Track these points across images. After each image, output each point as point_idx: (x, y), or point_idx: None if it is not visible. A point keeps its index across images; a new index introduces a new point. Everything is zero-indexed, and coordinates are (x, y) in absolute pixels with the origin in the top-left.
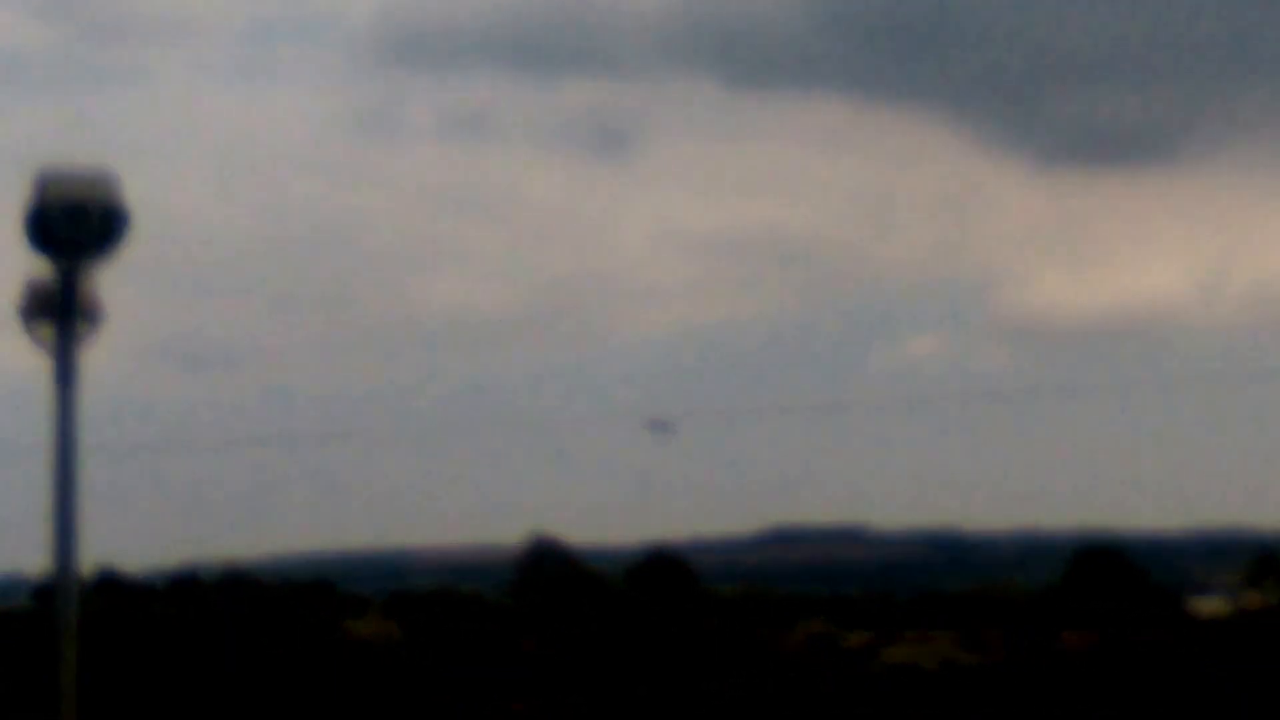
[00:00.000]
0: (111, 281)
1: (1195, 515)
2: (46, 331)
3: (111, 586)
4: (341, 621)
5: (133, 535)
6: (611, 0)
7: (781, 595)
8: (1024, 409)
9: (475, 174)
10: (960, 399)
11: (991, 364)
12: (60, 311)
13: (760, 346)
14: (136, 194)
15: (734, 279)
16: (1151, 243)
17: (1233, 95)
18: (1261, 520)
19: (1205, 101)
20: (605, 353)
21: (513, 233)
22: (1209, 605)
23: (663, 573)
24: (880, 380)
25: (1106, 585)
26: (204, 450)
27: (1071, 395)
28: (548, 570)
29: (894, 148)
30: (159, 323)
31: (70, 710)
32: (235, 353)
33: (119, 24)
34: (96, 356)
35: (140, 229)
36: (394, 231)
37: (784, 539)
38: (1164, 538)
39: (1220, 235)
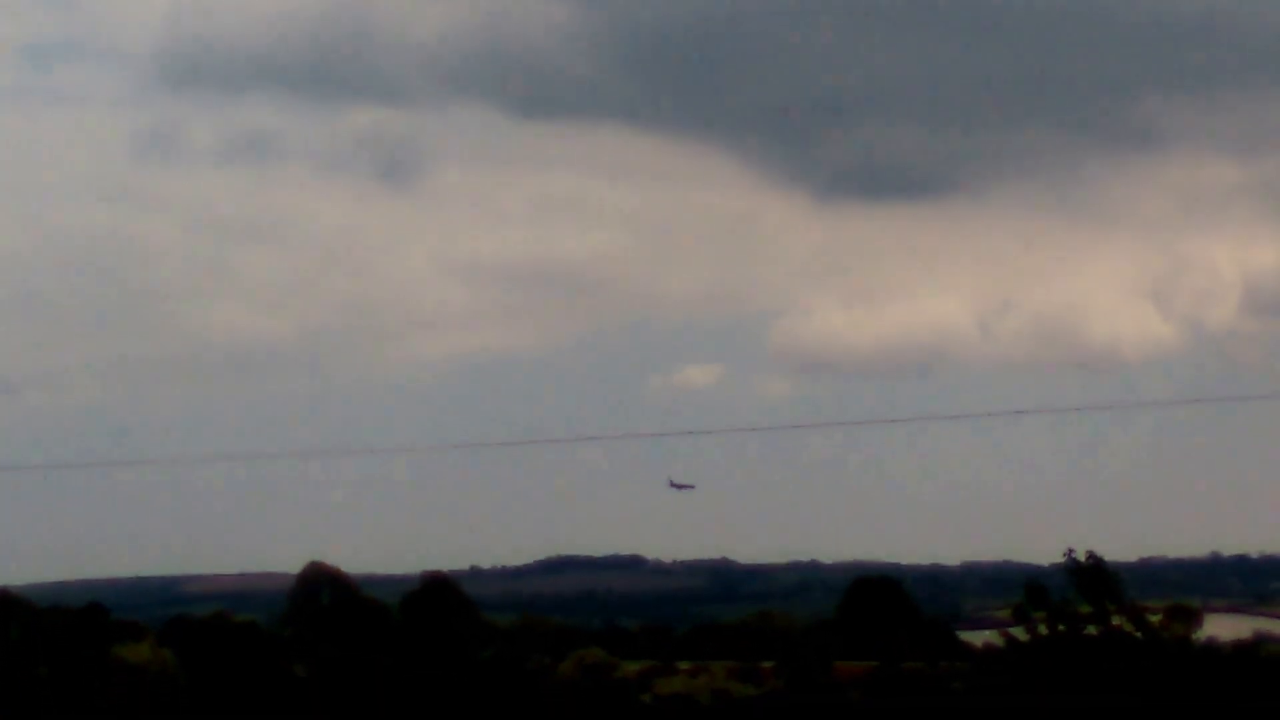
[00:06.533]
0: None
1: (968, 548)
2: None
3: None
4: (112, 648)
5: None
6: (396, 28)
7: (557, 624)
8: (801, 441)
9: (257, 200)
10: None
11: (770, 395)
12: None
13: (540, 375)
14: None
15: (515, 307)
16: (931, 276)
17: (1010, 132)
18: (1031, 554)
19: (983, 138)
20: (385, 381)
21: (294, 259)
22: (980, 637)
23: (439, 600)
24: (658, 410)
25: (881, 617)
26: None
27: (849, 428)
28: (323, 597)
29: (677, 179)
30: None
31: None
32: (9, 377)
33: None
34: None
35: None
36: (174, 257)
37: (561, 569)
38: (937, 570)
39: (999, 269)
